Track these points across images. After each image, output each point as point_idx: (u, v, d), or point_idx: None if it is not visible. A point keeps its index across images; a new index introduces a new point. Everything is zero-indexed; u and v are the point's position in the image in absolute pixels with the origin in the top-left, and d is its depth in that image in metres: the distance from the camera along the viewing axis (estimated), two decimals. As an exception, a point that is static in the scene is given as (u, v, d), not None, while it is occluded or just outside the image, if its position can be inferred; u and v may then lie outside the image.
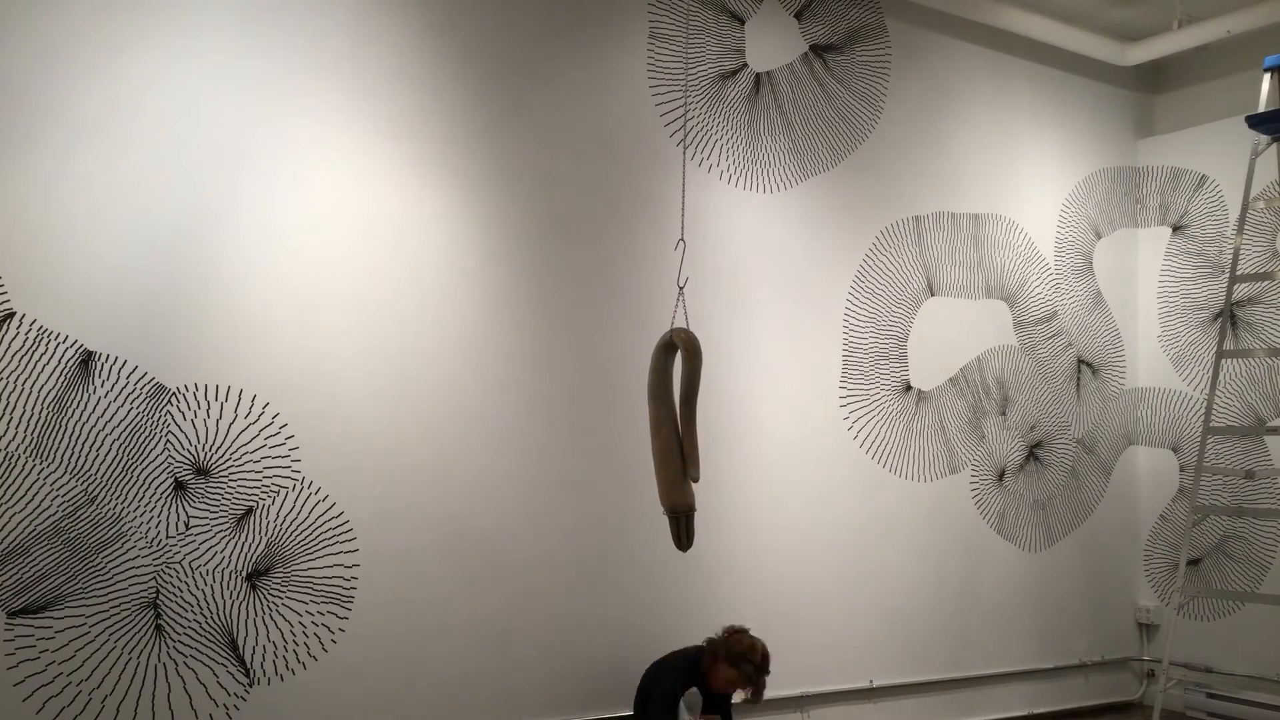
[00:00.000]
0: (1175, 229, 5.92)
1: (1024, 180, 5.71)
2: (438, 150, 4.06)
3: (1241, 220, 4.97)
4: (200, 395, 3.56)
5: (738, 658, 4.02)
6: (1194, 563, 5.66)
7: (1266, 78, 5.01)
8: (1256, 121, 4.88)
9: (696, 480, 3.11)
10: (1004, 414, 5.49)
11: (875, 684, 4.94)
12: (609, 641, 4.27)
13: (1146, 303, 6.05)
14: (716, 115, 4.72)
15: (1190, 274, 5.84)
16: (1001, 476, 5.47)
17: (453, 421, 4.01)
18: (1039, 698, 5.50)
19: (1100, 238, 5.97)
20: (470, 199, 4.12)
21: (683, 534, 3.13)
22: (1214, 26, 5.52)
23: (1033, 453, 5.59)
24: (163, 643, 3.46)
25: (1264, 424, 5.43)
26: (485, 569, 4.02)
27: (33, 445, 3.30)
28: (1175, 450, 5.86)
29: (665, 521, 3.29)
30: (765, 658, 4.07)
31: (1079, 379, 5.80)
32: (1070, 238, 5.85)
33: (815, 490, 4.86)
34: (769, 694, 4.58)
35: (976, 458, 5.37)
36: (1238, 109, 5.70)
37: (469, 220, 4.12)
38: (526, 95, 4.26)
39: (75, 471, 3.36)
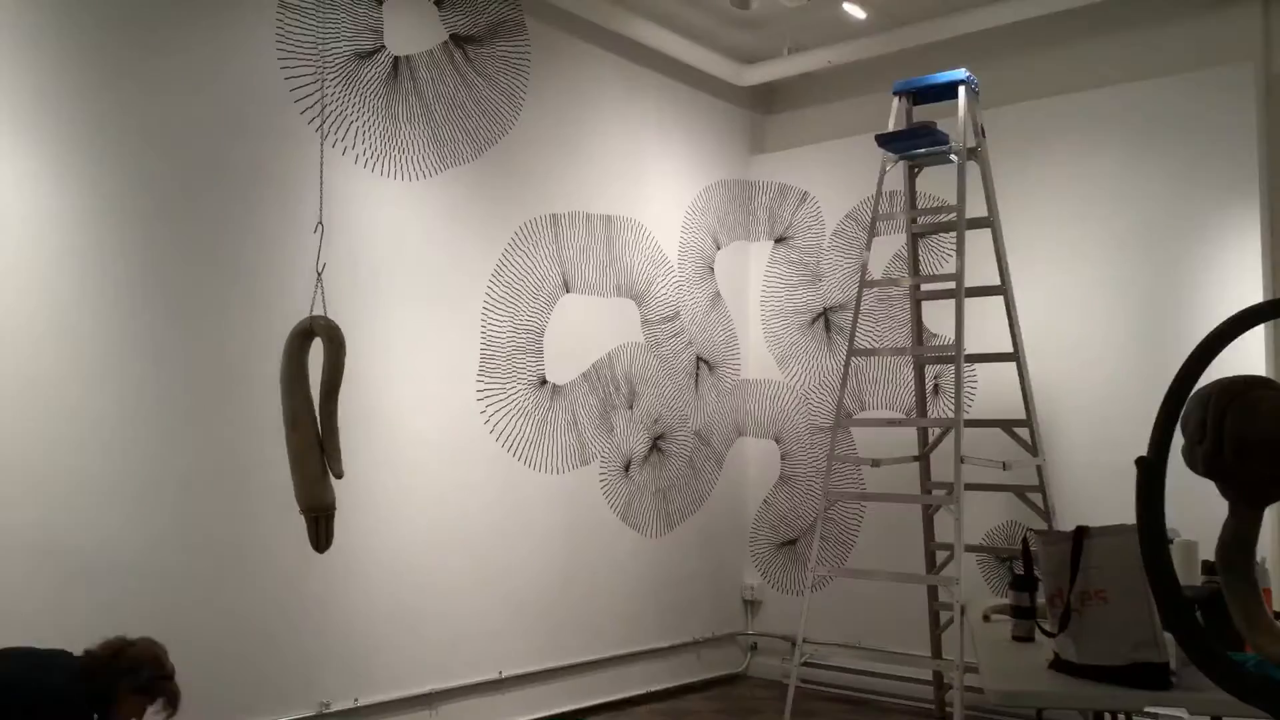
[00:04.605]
0: (780, 240, 6.48)
1: (651, 186, 5.99)
2: (30, 106, 3.55)
3: (871, 231, 5.07)
4: None
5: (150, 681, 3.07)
6: (790, 543, 6.24)
7: (895, 100, 5.07)
8: (885, 141, 4.96)
9: (340, 476, 2.95)
10: (631, 408, 5.74)
11: (504, 674, 4.98)
12: (227, 651, 3.95)
13: (755, 306, 6.58)
14: (353, 96, 4.52)
15: (793, 281, 6.42)
16: (628, 468, 5.72)
17: (39, 419, 3.52)
18: (657, 675, 5.81)
19: (720, 246, 6.41)
20: (66, 163, 3.64)
21: (322, 535, 2.96)
22: (817, 56, 6.10)
23: (656, 444, 5.89)
24: None
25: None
26: (76, 579, 3.57)
27: None
28: (778, 440, 6.41)
29: (293, 521, 3.10)
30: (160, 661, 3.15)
31: (698, 375, 6.19)
32: (692, 242, 6.22)
33: (452, 485, 4.80)
34: (397, 693, 4.50)
35: (606, 450, 5.57)
36: (836, 134, 6.34)
37: (62, 188, 3.63)
38: (142, 56, 3.83)
39: None
